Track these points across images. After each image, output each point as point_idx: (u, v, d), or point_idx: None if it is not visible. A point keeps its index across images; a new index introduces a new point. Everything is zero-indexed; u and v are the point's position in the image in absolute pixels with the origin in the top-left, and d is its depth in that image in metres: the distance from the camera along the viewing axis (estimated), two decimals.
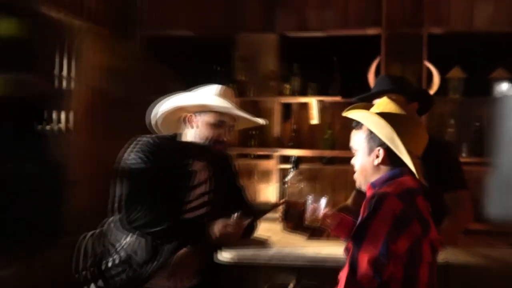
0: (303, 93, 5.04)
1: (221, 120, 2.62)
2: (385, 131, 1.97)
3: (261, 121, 2.73)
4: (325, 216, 2.37)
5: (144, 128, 2.83)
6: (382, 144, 2.03)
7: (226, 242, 2.49)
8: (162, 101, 2.68)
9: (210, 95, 2.62)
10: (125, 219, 2.47)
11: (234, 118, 2.68)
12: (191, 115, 2.66)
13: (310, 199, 2.35)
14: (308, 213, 2.34)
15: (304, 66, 5.06)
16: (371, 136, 2.05)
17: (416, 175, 1.97)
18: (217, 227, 2.43)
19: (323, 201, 2.35)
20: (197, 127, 2.66)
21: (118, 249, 2.57)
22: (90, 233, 2.69)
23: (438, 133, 4.56)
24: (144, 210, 2.46)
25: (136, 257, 2.50)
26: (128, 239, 2.54)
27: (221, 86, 2.68)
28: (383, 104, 2.04)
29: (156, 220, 2.46)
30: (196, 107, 2.65)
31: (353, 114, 2.09)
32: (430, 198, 2.08)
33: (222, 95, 2.64)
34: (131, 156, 2.58)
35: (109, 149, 3.03)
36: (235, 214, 2.43)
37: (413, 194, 1.99)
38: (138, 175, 2.50)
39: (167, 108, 2.68)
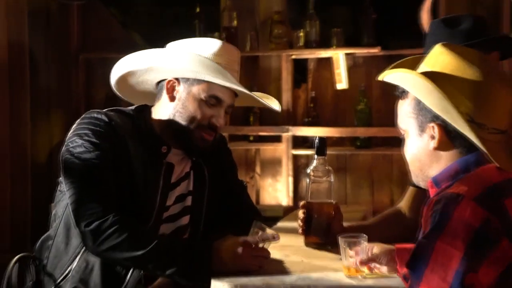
0: (324, 44, 4.85)
1: (218, 98, 2.41)
2: (434, 97, 1.83)
3: (276, 106, 2.57)
4: (362, 262, 2.14)
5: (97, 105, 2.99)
6: (436, 118, 1.85)
7: (237, 268, 2.23)
8: (127, 56, 2.47)
9: (205, 55, 2.40)
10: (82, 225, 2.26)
11: (235, 94, 2.48)
12: (173, 81, 2.45)
13: (363, 240, 2.18)
14: (356, 259, 2.16)
15: (324, 4, 5.07)
16: (420, 107, 1.88)
17: (494, 161, 1.76)
18: (233, 252, 2.22)
19: (364, 245, 2.15)
20: (180, 100, 2.45)
21: (60, 280, 2.36)
22: (16, 258, 2.44)
23: None
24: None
25: None
26: (75, 263, 2.34)
27: (221, 43, 2.46)
28: (433, 55, 1.91)
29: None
30: (181, 71, 2.45)
31: (390, 75, 1.92)
32: None
33: (224, 58, 2.42)
34: (72, 142, 2.37)
35: (36, 134, 3.00)
36: (259, 231, 2.28)
37: (500, 195, 1.75)
38: (86, 171, 2.30)
39: (135, 66, 2.47)
